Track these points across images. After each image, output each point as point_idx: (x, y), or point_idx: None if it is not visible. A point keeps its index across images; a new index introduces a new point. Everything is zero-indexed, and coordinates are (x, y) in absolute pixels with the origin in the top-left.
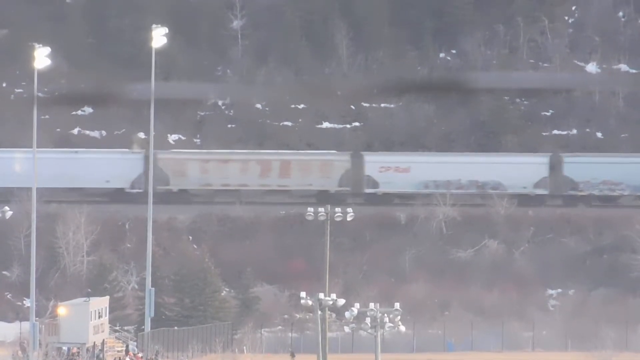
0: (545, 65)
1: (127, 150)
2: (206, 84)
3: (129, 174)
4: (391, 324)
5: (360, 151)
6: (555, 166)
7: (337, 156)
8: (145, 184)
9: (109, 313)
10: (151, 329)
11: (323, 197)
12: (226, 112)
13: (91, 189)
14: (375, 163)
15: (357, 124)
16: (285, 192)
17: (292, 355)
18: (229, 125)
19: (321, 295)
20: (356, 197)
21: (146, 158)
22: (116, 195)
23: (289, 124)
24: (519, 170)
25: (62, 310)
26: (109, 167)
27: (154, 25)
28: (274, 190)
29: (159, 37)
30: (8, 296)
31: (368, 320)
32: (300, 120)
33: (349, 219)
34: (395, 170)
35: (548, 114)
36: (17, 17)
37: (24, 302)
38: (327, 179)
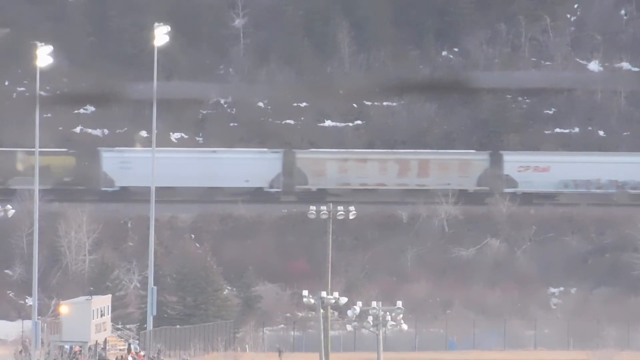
0: (547, 63)
1: (266, 149)
2: (208, 82)
3: (267, 173)
4: (393, 323)
5: (499, 150)
6: None
7: (476, 155)
8: (284, 183)
9: (111, 312)
10: (153, 327)
11: (462, 197)
12: (228, 110)
13: (230, 188)
14: (514, 162)
15: (359, 122)
16: (423, 192)
17: (280, 352)
18: (231, 124)
19: (323, 294)
20: (494, 196)
21: (285, 157)
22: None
23: (291, 122)
24: None
25: (64, 308)
26: (247, 166)
27: (156, 24)
28: (412, 189)
29: (161, 35)
30: (10, 295)
31: (370, 318)
32: (302, 118)
33: (351, 217)
34: (534, 169)
35: (550, 112)
36: (18, 16)
37: (26, 300)
38: (465, 178)
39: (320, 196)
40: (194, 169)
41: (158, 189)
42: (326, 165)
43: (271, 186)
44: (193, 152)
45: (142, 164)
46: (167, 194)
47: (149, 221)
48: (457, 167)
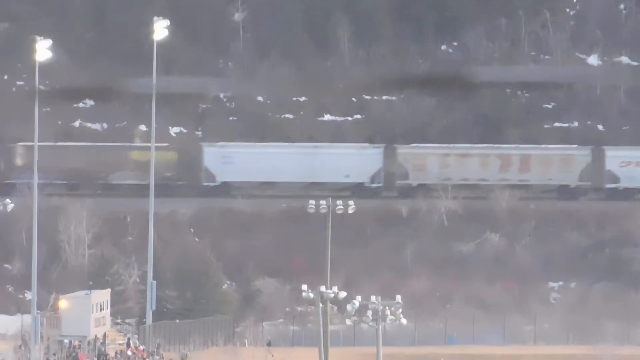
0: (547, 58)
1: (367, 144)
2: (207, 77)
3: (368, 168)
4: (392, 317)
5: (602, 146)
6: None
7: (578, 151)
8: (385, 178)
9: (111, 306)
10: (152, 322)
11: (564, 192)
12: (228, 105)
13: (331, 183)
14: (616, 158)
15: (358, 116)
16: (525, 187)
17: (269, 344)
18: (231, 118)
19: (323, 289)
20: (596, 192)
21: (386, 152)
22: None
23: (291, 116)
24: None
25: (63, 303)
26: (348, 161)
27: (155, 18)
28: (514, 185)
29: (160, 29)
30: (10, 289)
31: (369, 313)
32: (301, 113)
33: (350, 211)
34: (636, 164)
35: (549, 106)
36: (18, 10)
37: (26, 295)
38: (567, 173)
39: (422, 191)
40: (293, 164)
41: (259, 184)
42: (427, 160)
43: (372, 181)
44: (294, 147)
45: (244, 159)
46: (268, 190)
47: (148, 216)
48: (559, 162)
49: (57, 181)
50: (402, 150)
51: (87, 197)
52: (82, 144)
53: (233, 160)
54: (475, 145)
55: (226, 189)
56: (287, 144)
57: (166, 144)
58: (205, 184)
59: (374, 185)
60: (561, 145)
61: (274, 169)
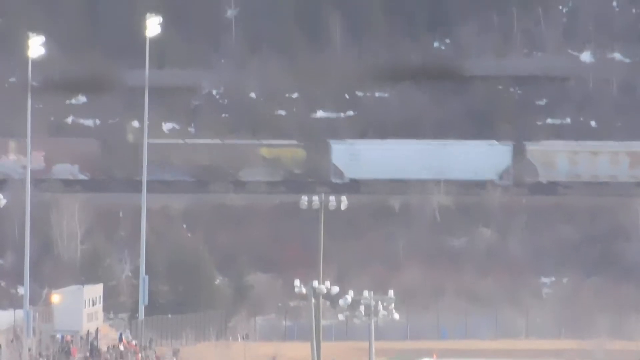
0: (539, 53)
1: (495, 141)
2: (200, 72)
3: (497, 165)
4: (385, 312)
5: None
6: None
7: None
8: (514, 176)
9: (103, 301)
10: (145, 316)
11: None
12: (220, 101)
13: (459, 180)
14: None
15: (351, 112)
16: None
17: (246, 337)
18: (223, 114)
19: (315, 283)
20: None
21: (515, 149)
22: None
23: (283, 112)
24: None
25: (56, 297)
26: (477, 158)
27: (148, 14)
28: None
29: (153, 26)
30: (2, 284)
31: (362, 308)
32: (294, 109)
33: (342, 207)
34: None
35: (542, 102)
36: (10, 6)
37: (18, 289)
38: None
39: (551, 188)
40: (422, 161)
41: (388, 181)
42: (557, 158)
43: (501, 178)
44: (421, 144)
45: (373, 155)
46: (400, 187)
47: (140, 210)
48: None
49: (187, 178)
50: (531, 147)
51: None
52: (211, 141)
53: (361, 157)
54: (605, 143)
55: (355, 185)
56: (415, 140)
57: (294, 141)
58: (334, 180)
59: (502, 182)
60: None
61: (402, 165)
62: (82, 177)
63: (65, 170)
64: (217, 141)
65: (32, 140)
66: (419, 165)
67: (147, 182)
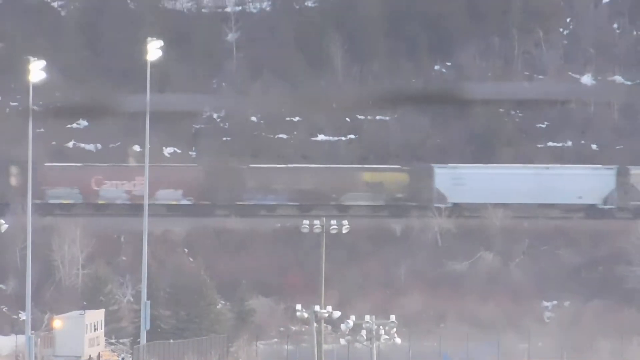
0: (540, 77)
1: (599, 165)
2: (201, 96)
3: (601, 189)
4: (387, 336)
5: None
6: None
7: None
8: (619, 199)
9: (105, 326)
10: (147, 341)
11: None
12: (221, 124)
13: (563, 205)
14: None
15: (352, 136)
16: None
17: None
18: (224, 138)
19: (317, 308)
20: None
21: (619, 173)
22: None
23: (284, 136)
24: None
25: (57, 323)
26: (580, 182)
27: (149, 39)
28: None
29: (154, 50)
30: (4, 309)
31: (364, 332)
32: (295, 132)
33: (344, 231)
34: None
35: (543, 125)
36: (11, 30)
37: (20, 315)
38: None
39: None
40: (525, 185)
41: (490, 205)
42: None
43: (605, 203)
44: (525, 168)
45: (476, 180)
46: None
47: (142, 235)
48: None
49: (290, 202)
50: (635, 171)
51: (80, 217)
52: (315, 165)
53: (464, 182)
54: None
55: (457, 209)
56: (519, 165)
57: (397, 166)
58: (437, 205)
59: (607, 206)
60: None
61: (505, 189)
62: (185, 201)
63: (169, 195)
64: (320, 165)
65: (136, 168)
66: (522, 190)
67: (251, 206)
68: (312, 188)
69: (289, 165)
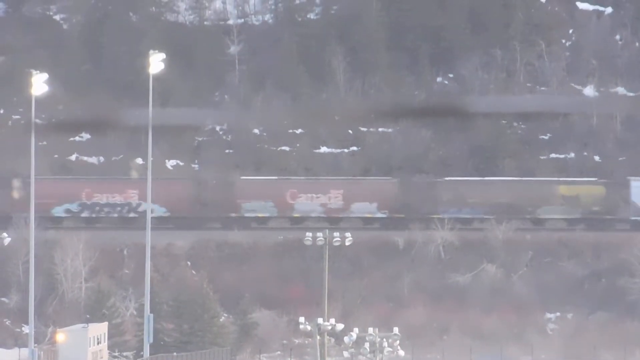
0: (543, 89)
1: None
2: (204, 109)
3: None
4: (390, 349)
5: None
6: None
7: None
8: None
9: (108, 339)
10: (150, 354)
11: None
12: (224, 137)
13: None
14: None
15: (354, 148)
16: None
17: None
18: (227, 151)
19: (320, 320)
20: None
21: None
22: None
23: (287, 149)
24: None
25: (60, 336)
26: None
27: (151, 51)
28: None
29: (156, 62)
30: (7, 323)
31: (367, 345)
32: (298, 145)
33: (347, 243)
34: None
35: (546, 137)
36: (14, 44)
37: (23, 328)
38: None
39: None
40: None
41: None
42: None
43: None
44: None
45: None
46: None
47: (144, 248)
48: None
49: (484, 215)
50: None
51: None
52: (509, 178)
53: None
54: None
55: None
56: None
57: (594, 179)
58: (633, 218)
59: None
60: None
61: None
62: (379, 215)
63: (364, 208)
64: (515, 178)
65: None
66: None
67: (443, 219)
68: (508, 201)
69: (485, 179)
